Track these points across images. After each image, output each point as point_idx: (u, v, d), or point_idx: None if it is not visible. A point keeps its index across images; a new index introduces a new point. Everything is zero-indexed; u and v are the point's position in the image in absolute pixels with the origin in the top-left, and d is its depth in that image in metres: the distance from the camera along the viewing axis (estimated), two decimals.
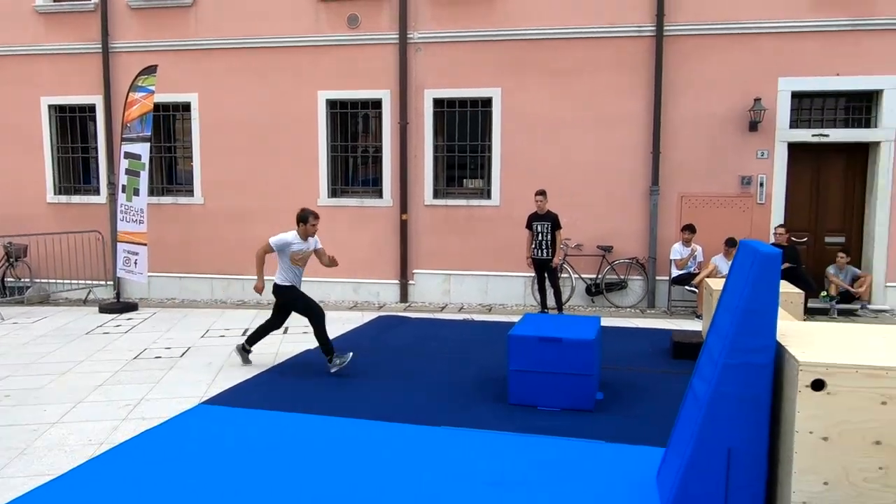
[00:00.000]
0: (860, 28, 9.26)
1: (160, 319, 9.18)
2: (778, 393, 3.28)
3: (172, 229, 11.09)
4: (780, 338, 3.36)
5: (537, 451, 4.35)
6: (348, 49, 10.48)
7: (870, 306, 9.45)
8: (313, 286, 10.72)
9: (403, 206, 10.47)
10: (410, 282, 10.60)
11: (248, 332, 7.38)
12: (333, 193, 10.86)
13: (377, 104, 10.58)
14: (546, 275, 9.11)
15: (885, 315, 9.37)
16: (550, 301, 9.21)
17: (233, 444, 4.47)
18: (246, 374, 6.30)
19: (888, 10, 9.19)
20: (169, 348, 7.44)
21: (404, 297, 10.59)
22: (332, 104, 10.70)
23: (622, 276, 10.07)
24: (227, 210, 10.94)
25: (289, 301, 6.44)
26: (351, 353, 6.36)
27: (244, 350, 6.69)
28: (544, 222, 8.96)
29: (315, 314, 6.36)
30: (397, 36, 10.28)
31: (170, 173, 11.49)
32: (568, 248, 9.87)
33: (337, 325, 8.54)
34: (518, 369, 5.24)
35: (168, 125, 11.32)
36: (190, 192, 11.17)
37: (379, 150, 10.71)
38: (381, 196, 10.69)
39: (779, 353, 3.28)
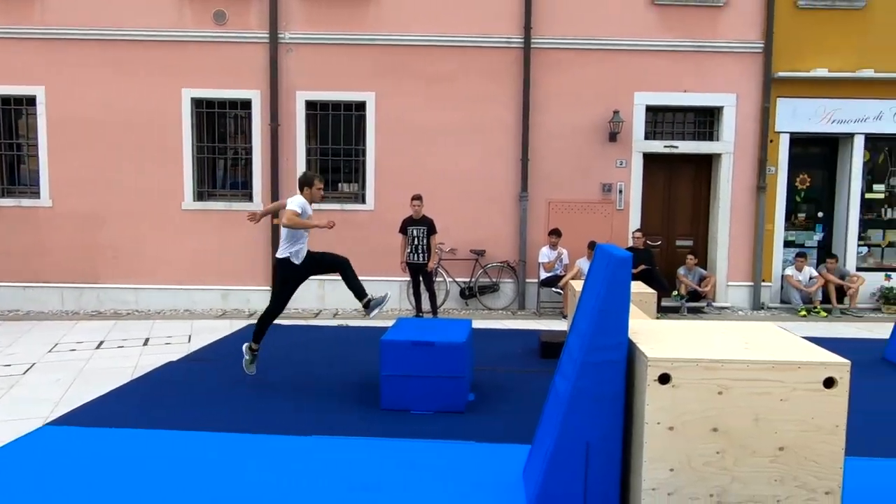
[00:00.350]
0: (703, 50, 10.12)
1: (0, 334, 8.34)
2: (630, 387, 3.51)
3: (15, 234, 10.11)
4: (632, 336, 3.59)
5: (407, 454, 4.37)
6: (215, 46, 10.05)
7: (714, 304, 10.33)
8: (177, 294, 10.18)
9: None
10: None
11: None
12: (199, 196, 10.36)
13: (246, 104, 10.22)
14: (421, 279, 9.18)
15: (727, 311, 10.29)
16: (426, 305, 9.30)
17: (81, 467, 4.13)
18: (100, 389, 5.85)
19: (727, 35, 10.11)
20: (9, 365, 6.76)
21: None
22: (197, 103, 10.21)
23: (494, 280, 10.37)
24: (79, 213, 10.13)
25: (309, 266, 5.85)
26: (388, 293, 6.05)
27: (251, 351, 6.01)
28: (420, 227, 9.03)
29: (339, 262, 5.90)
30: (267, 35, 9.99)
31: (12, 173, 10.47)
32: (442, 253, 10.02)
33: (203, 335, 8.14)
34: (390, 374, 5.24)
35: (9, 120, 10.31)
36: (36, 194, 10.23)
37: (249, 152, 10.35)
38: (251, 199, 10.33)
39: (631, 350, 3.50)
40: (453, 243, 10.20)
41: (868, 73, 10.03)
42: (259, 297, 10.27)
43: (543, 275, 10.01)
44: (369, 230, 10.22)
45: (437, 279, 9.75)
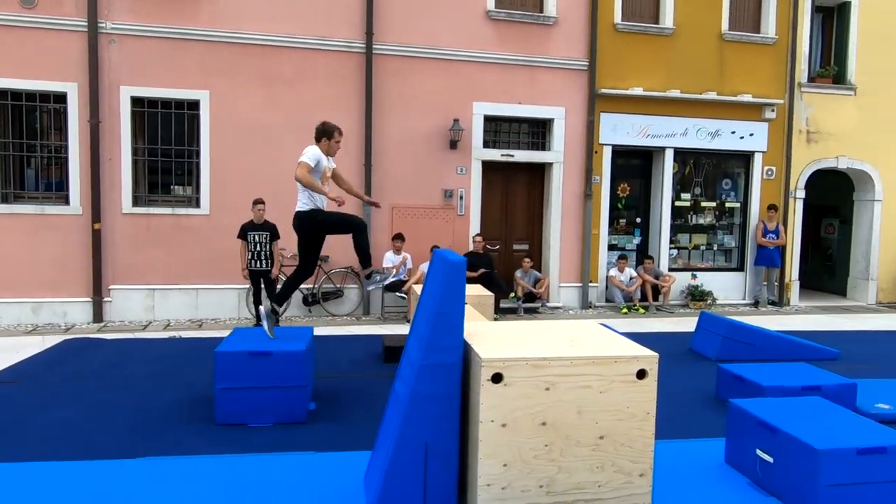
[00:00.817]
0: (536, 65, 10.73)
1: None
2: (466, 388, 3.62)
3: None
4: (468, 338, 3.71)
5: (244, 470, 4.19)
6: (22, 32, 9.04)
7: (548, 304, 10.97)
8: None
9: (96, 215, 9.34)
10: (106, 299, 9.49)
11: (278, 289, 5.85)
12: (4, 199, 9.27)
13: (61, 98, 9.30)
14: (263, 286, 8.86)
15: (560, 311, 10.96)
16: None
17: None
18: None
19: (556, 52, 10.80)
20: None
21: (98, 316, 9.43)
22: (1, 94, 9.13)
23: (338, 285, 10.26)
24: None
25: (321, 223, 5.55)
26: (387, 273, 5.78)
27: (274, 314, 5.51)
28: (262, 232, 8.72)
29: (355, 224, 5.68)
30: (85, 23, 9.16)
31: None
32: (284, 259, 9.73)
33: (9, 355, 7.27)
34: (226, 387, 5.00)
35: None
36: None
37: (64, 150, 9.41)
38: (67, 202, 9.41)
39: (466, 351, 3.62)
40: (296, 249, 9.93)
41: (675, 93, 11.18)
42: (77, 311, 9.37)
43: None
44: (204, 235, 9.70)
45: (280, 286, 9.43)
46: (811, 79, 12.07)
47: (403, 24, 10.21)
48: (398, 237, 10.04)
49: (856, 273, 12.83)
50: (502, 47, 10.60)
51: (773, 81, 11.77)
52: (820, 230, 14.18)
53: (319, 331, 8.88)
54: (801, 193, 12.11)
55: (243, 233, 8.74)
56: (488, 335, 3.86)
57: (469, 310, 6.33)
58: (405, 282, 9.93)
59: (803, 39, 11.88)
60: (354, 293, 10.37)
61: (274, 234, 8.78)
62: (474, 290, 7.68)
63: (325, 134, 5.72)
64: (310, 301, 10.09)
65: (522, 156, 10.96)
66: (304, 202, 5.65)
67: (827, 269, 13.84)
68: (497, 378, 3.35)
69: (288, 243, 9.40)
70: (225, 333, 8.29)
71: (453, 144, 10.45)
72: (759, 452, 4.06)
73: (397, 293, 10.04)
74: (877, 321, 10.74)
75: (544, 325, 4.22)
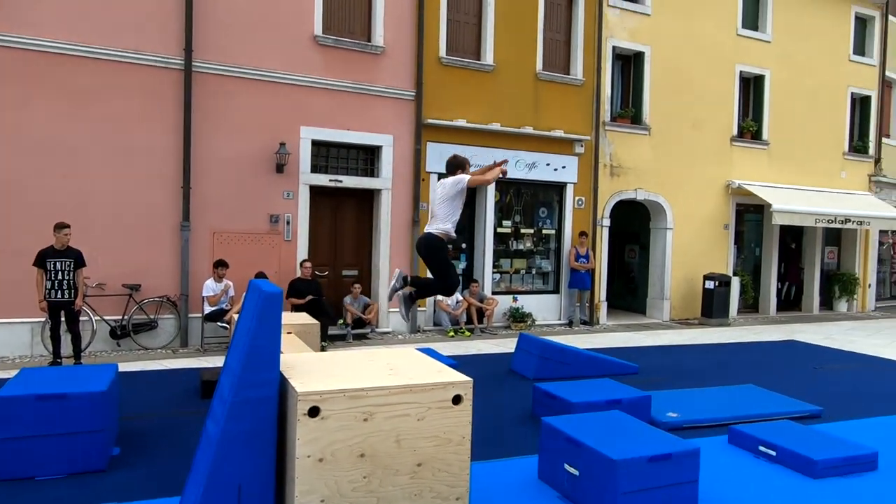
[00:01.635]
0: (364, 92, 10.84)
1: None
2: (283, 423, 3.50)
3: None
4: (284, 371, 3.60)
5: None
6: None
7: (377, 330, 10.99)
8: None
9: None
10: None
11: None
12: None
13: None
14: (64, 319, 7.98)
15: (389, 336, 11.03)
16: (66, 349, 8.10)
17: None
18: None
19: (384, 81, 10.99)
20: None
21: None
22: None
23: (152, 316, 9.52)
24: None
25: (438, 252, 5.48)
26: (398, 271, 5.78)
27: (411, 299, 5.69)
28: (64, 259, 7.86)
29: (449, 281, 5.66)
30: None
31: None
32: (87, 289, 8.86)
33: None
34: (7, 437, 4.41)
35: None
36: None
37: None
38: None
39: (282, 385, 3.51)
40: (101, 277, 9.11)
41: (496, 126, 11.84)
42: None
43: (208, 309, 9.52)
44: None
45: (82, 318, 8.57)
46: (613, 118, 13.36)
47: (226, 42, 9.85)
48: (220, 264, 9.56)
49: (653, 293, 14.28)
50: (331, 73, 10.58)
51: (581, 119, 12.86)
52: (624, 255, 15.64)
53: (130, 366, 8.18)
54: (607, 222, 13.30)
55: (41, 260, 7.82)
56: (307, 367, 3.78)
57: (292, 339, 6.17)
58: (227, 311, 9.46)
59: (606, 83, 13.14)
60: (170, 324, 9.68)
61: (79, 262, 7.96)
62: (300, 319, 7.49)
63: (460, 166, 5.70)
64: (118, 334, 9.25)
65: (352, 181, 10.97)
66: (440, 227, 5.53)
67: (630, 290, 15.27)
68: (314, 412, 3.28)
69: (90, 271, 8.59)
70: (12, 374, 7.35)
71: (280, 168, 10.20)
72: (566, 466, 4.34)
73: (218, 323, 9.53)
74: (670, 336, 12.01)
75: (365, 354, 4.22)
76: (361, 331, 10.81)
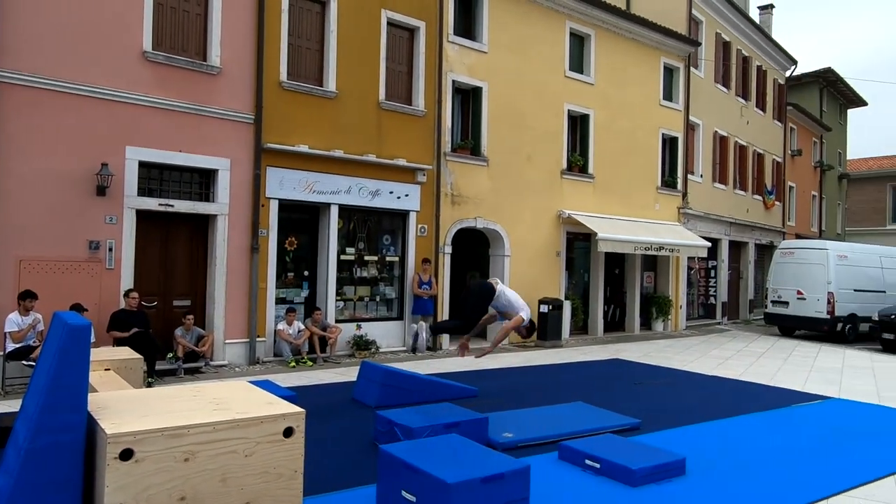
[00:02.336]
0: (199, 113, 10.34)
1: None
2: (90, 469, 3.18)
3: None
4: (94, 411, 3.28)
5: None
6: None
7: (212, 363, 10.38)
8: None
9: None
10: None
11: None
12: None
13: None
14: None
15: (225, 369, 10.46)
16: None
17: None
18: None
19: (221, 102, 10.57)
20: None
21: None
22: None
23: None
24: None
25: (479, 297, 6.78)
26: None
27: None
28: None
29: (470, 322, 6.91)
30: None
31: None
32: None
33: None
34: None
35: None
36: None
37: None
38: None
39: (90, 427, 3.19)
40: None
41: (339, 153, 11.79)
42: None
43: (11, 346, 8.48)
44: None
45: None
46: (454, 149, 13.83)
47: (39, 52, 8.98)
48: (27, 295, 8.57)
49: None
50: (162, 91, 9.99)
51: (423, 149, 13.18)
52: (465, 281, 16.09)
53: None
54: (449, 249, 13.66)
55: None
56: (122, 406, 3.47)
57: (110, 376, 5.67)
58: (34, 348, 8.47)
59: (447, 115, 13.60)
60: None
61: None
62: (121, 353, 6.89)
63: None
64: None
65: (184, 206, 10.35)
66: (520, 307, 6.94)
67: None
68: (126, 454, 3.02)
69: None
70: None
71: (101, 191, 9.40)
72: (404, 493, 4.32)
73: (24, 362, 8.50)
74: (509, 359, 12.50)
75: (190, 390, 3.96)
76: (195, 364, 10.16)
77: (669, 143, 19.19)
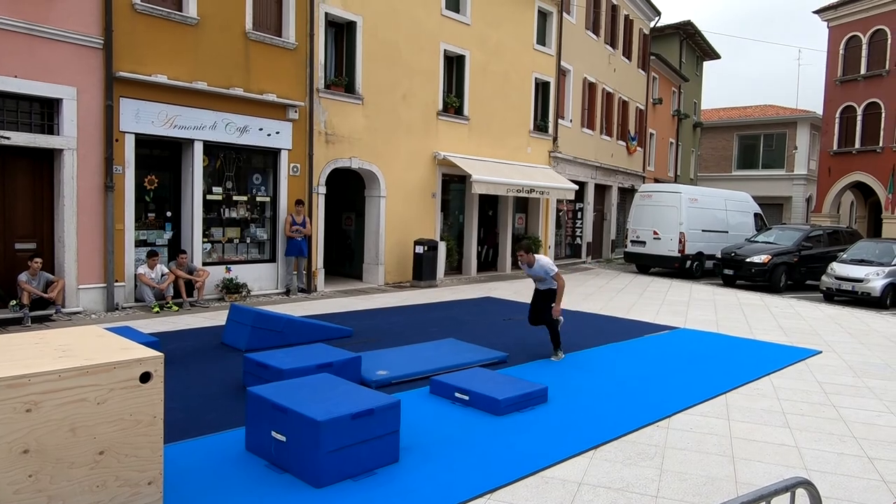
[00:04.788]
0: (37, 34, 9.24)
1: None
2: None
3: None
4: None
5: None
6: None
7: (64, 310, 9.64)
8: None
9: None
10: None
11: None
12: None
13: None
14: None
15: (79, 316, 9.76)
16: None
17: None
18: None
19: (63, 23, 9.48)
20: None
21: None
22: None
23: None
24: None
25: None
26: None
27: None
28: None
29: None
30: None
31: None
32: None
33: None
34: None
35: None
36: None
37: None
38: None
39: None
40: None
41: (202, 85, 11.03)
42: None
43: None
44: None
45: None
46: (327, 86, 13.35)
47: None
48: None
49: (369, 259, 14.79)
50: None
51: (295, 84, 12.62)
52: (341, 222, 15.90)
53: None
54: (323, 189, 13.35)
55: None
56: None
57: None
58: None
59: (319, 49, 13.05)
60: None
61: None
62: None
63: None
64: None
65: (22, 139, 9.32)
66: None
67: (347, 257, 15.62)
68: None
69: None
70: None
71: None
72: (273, 434, 4.28)
73: None
74: (384, 299, 12.59)
75: (33, 337, 3.65)
76: (44, 312, 9.39)
77: (542, 88, 19.64)
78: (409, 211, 15.23)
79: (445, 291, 14.09)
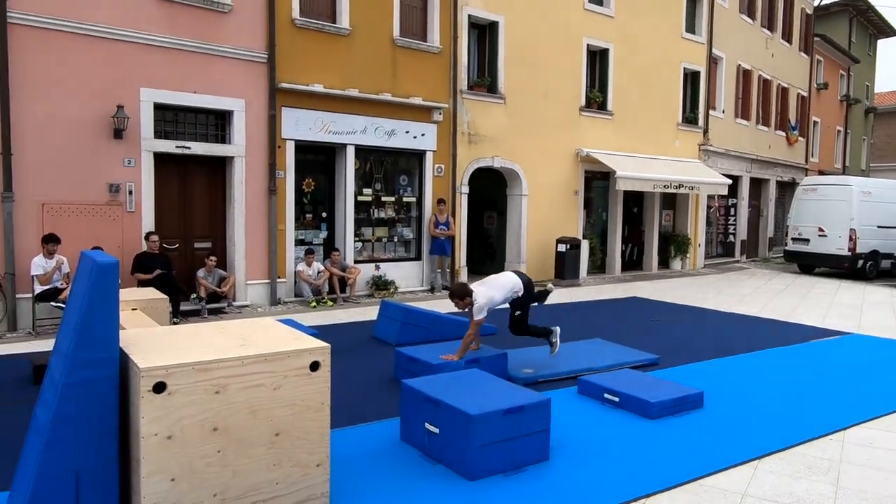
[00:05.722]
0: (211, 53, 10.18)
1: None
2: (125, 402, 3.28)
3: None
4: (126, 347, 3.36)
5: None
6: None
7: (235, 303, 10.56)
8: None
9: None
10: None
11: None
12: None
13: None
14: None
15: (248, 309, 10.64)
16: None
17: None
18: None
19: (233, 41, 10.38)
20: None
21: None
22: None
23: None
24: None
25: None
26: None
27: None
28: None
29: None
30: None
31: None
32: None
33: None
34: None
35: None
36: None
37: None
38: None
39: (123, 362, 3.28)
40: None
41: (354, 92, 11.62)
42: None
43: (39, 288, 8.66)
44: None
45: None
46: (470, 87, 13.56)
47: None
48: (50, 239, 8.69)
49: (510, 258, 14.83)
50: (173, 31, 9.83)
51: (439, 87, 12.94)
52: (482, 221, 16.09)
53: None
54: (466, 189, 13.57)
55: None
56: (151, 342, 3.55)
57: (138, 316, 5.79)
58: (62, 290, 8.65)
59: (462, 51, 13.28)
60: None
61: None
62: (147, 294, 7.01)
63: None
64: None
65: (201, 148, 10.33)
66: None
67: (489, 255, 15.77)
68: (159, 387, 3.10)
69: None
70: None
71: (118, 133, 9.39)
72: (427, 426, 4.43)
73: (52, 303, 8.70)
74: None
75: (216, 327, 4.03)
76: (217, 305, 10.34)
77: (691, 78, 18.68)
78: (551, 209, 15.09)
79: (588, 290, 13.82)
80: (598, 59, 16.17)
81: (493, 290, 6.54)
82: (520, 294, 6.73)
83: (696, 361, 7.45)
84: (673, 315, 10.76)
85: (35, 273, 8.63)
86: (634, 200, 17.78)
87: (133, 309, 5.97)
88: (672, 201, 18.90)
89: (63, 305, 8.53)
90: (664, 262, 18.43)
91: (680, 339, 8.76)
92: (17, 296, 8.83)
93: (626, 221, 17.47)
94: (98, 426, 3.14)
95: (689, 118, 18.55)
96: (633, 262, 17.97)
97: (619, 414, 5.46)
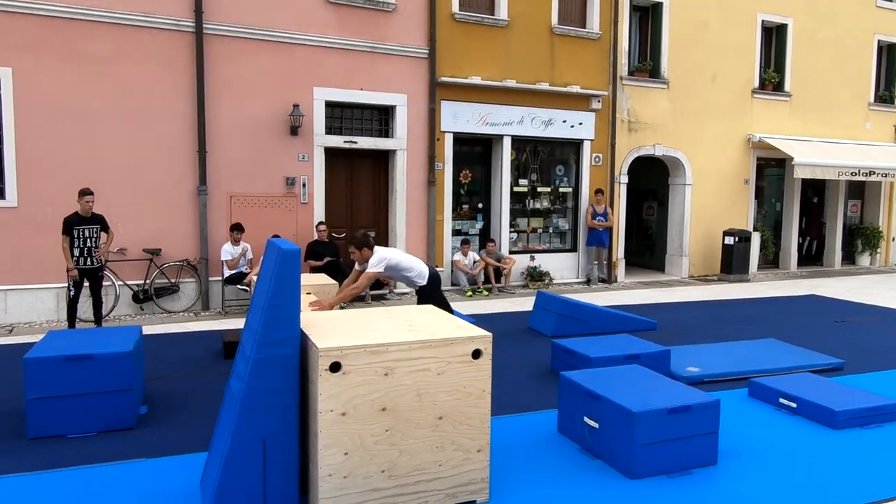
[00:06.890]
0: (376, 51, 10.68)
1: None
2: (305, 379, 3.55)
3: None
4: (305, 328, 3.64)
5: (61, 487, 3.83)
6: None
7: (395, 290, 11.04)
8: None
9: None
10: None
11: None
12: None
13: None
14: (89, 285, 8.02)
15: (407, 296, 11.07)
16: (86, 313, 8.22)
17: None
18: None
19: (397, 39, 10.81)
20: None
21: None
22: None
23: (173, 280, 9.63)
24: None
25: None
26: None
27: None
28: (91, 226, 7.84)
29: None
30: None
31: None
32: (109, 254, 8.95)
33: None
34: (38, 397, 4.52)
35: None
36: None
37: None
38: None
39: (304, 342, 3.55)
40: (122, 242, 9.20)
41: (511, 83, 11.64)
42: None
43: (227, 272, 9.61)
44: (13, 230, 8.69)
45: (105, 283, 8.66)
46: (631, 73, 13.08)
47: (237, 3, 9.71)
48: (236, 227, 9.60)
49: (671, 250, 14.16)
50: (342, 32, 10.43)
51: (598, 74, 12.61)
52: (641, 212, 15.49)
53: (153, 329, 8.34)
54: (625, 178, 13.14)
55: (68, 228, 7.72)
56: (326, 324, 3.81)
57: (312, 300, 6.22)
58: (246, 274, 9.54)
59: (623, 35, 12.83)
60: (192, 287, 9.79)
61: (104, 227, 7.95)
62: (318, 280, 7.54)
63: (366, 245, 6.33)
64: (141, 298, 9.39)
65: (366, 143, 10.90)
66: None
67: (648, 247, 15.17)
68: (335, 367, 3.32)
69: (114, 237, 8.64)
70: (38, 338, 7.51)
71: (294, 130, 10.15)
72: (586, 419, 4.37)
73: (238, 286, 9.63)
74: (688, 293, 11.95)
75: (385, 312, 4.24)
76: (380, 291, 10.88)
77: (887, 52, 16.63)
78: (718, 199, 14.19)
79: (759, 286, 12.85)
80: (774, 36, 14.89)
81: (398, 254, 6.56)
82: (422, 284, 6.60)
83: (889, 369, 6.68)
84: (860, 316, 9.71)
85: (224, 258, 9.59)
86: (814, 189, 16.23)
87: (307, 293, 6.44)
88: (860, 190, 17.01)
89: (248, 289, 9.41)
90: (849, 258, 16.66)
91: (869, 342, 7.89)
92: (210, 279, 9.85)
93: (804, 212, 15.99)
94: (282, 400, 3.43)
95: (884, 97, 16.54)
96: (811, 257, 16.43)
97: (796, 421, 5.04)
